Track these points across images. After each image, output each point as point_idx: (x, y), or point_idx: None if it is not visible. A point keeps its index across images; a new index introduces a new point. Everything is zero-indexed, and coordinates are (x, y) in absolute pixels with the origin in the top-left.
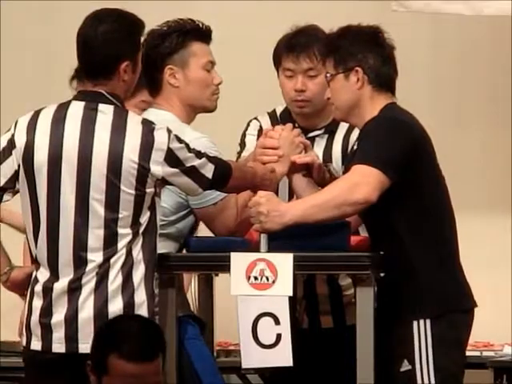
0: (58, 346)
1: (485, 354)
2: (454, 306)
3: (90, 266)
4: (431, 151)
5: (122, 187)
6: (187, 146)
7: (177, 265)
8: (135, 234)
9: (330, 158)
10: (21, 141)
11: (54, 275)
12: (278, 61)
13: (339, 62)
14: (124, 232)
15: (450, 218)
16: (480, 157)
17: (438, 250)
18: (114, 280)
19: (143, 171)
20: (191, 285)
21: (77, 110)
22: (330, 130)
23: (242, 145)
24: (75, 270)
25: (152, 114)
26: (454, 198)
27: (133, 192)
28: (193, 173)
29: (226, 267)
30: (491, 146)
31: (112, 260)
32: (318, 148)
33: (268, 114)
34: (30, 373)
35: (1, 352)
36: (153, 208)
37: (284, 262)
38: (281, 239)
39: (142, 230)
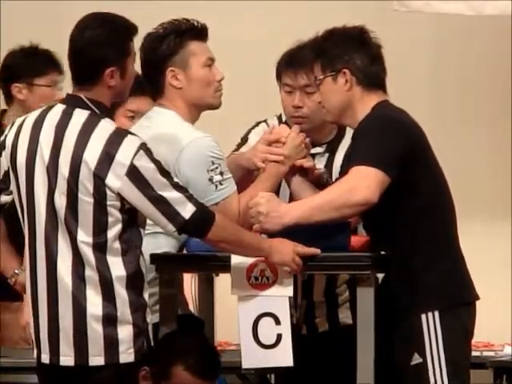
0: (44, 357)
1: (485, 353)
2: (457, 300)
3: (60, 273)
4: (427, 146)
5: (79, 194)
6: (164, 172)
7: (177, 265)
8: (102, 246)
9: (330, 177)
10: (9, 142)
11: (35, 283)
12: (278, 76)
13: (326, 65)
14: (85, 240)
15: (451, 212)
16: (481, 156)
17: (439, 245)
18: (91, 288)
19: (99, 182)
20: (191, 285)
21: (56, 113)
22: (331, 149)
23: (244, 139)
24: (48, 278)
25: (155, 113)
26: (455, 200)
27: (90, 200)
28: (162, 204)
29: (226, 267)
30: (492, 146)
31: (84, 269)
32: (318, 166)
33: (277, 117)
34: None
35: None
36: (127, 222)
37: None
38: None
39: (112, 242)
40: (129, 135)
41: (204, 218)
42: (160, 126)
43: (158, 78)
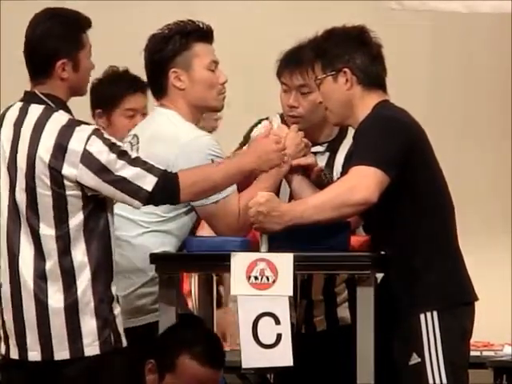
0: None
1: (485, 353)
2: (456, 300)
3: (21, 270)
4: (427, 146)
5: (38, 188)
6: (120, 152)
7: (177, 265)
8: (65, 237)
9: (332, 175)
10: None
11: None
12: (278, 74)
13: (327, 65)
14: (48, 233)
15: (450, 212)
16: (481, 156)
17: (439, 245)
18: (52, 283)
19: (55, 173)
20: (191, 285)
21: (13, 111)
22: (332, 148)
23: (246, 138)
24: (10, 275)
25: (156, 113)
26: (454, 200)
27: (48, 193)
28: (122, 184)
29: (226, 267)
30: (492, 146)
31: (45, 263)
32: (319, 165)
33: (279, 115)
34: None
35: None
36: (89, 211)
37: (284, 261)
38: (281, 239)
39: (75, 232)
40: (81, 125)
41: (167, 184)
42: (160, 125)
43: (161, 79)
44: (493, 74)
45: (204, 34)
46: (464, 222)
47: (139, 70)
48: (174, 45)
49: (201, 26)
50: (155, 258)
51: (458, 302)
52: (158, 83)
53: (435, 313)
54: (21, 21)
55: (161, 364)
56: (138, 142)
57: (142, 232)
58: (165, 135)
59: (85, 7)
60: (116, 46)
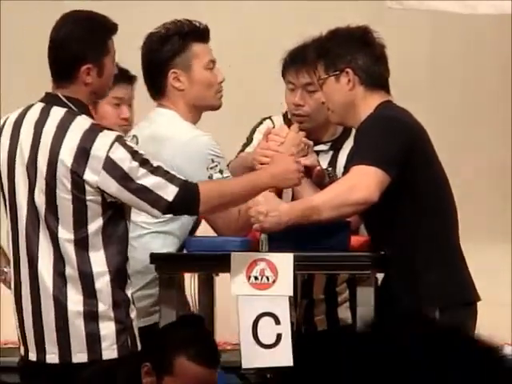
0: (31, 355)
1: None
2: (457, 300)
3: (41, 272)
4: (428, 146)
5: (58, 191)
6: (142, 160)
7: (177, 265)
8: (83, 242)
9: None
10: None
11: (18, 281)
12: (283, 72)
13: (329, 65)
14: (66, 237)
15: (452, 212)
16: (481, 155)
17: (439, 245)
18: (71, 286)
19: (76, 178)
20: (191, 285)
21: (35, 112)
22: (336, 147)
23: (249, 139)
24: (30, 277)
25: (156, 114)
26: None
27: (68, 197)
28: (143, 193)
29: (226, 267)
30: (492, 146)
31: (65, 267)
32: (322, 163)
33: (282, 114)
34: None
35: None
36: (108, 217)
37: (284, 261)
38: (281, 239)
39: (94, 237)
40: (104, 130)
41: (188, 195)
42: (160, 125)
43: (159, 80)
44: (493, 75)
45: (201, 34)
46: (464, 222)
47: (140, 69)
48: (172, 45)
49: (198, 25)
50: (155, 258)
51: (458, 302)
52: (156, 84)
53: (436, 313)
54: (21, 21)
55: (158, 366)
56: (137, 143)
57: (143, 233)
58: (164, 135)
59: (85, 7)
60: (117, 45)
